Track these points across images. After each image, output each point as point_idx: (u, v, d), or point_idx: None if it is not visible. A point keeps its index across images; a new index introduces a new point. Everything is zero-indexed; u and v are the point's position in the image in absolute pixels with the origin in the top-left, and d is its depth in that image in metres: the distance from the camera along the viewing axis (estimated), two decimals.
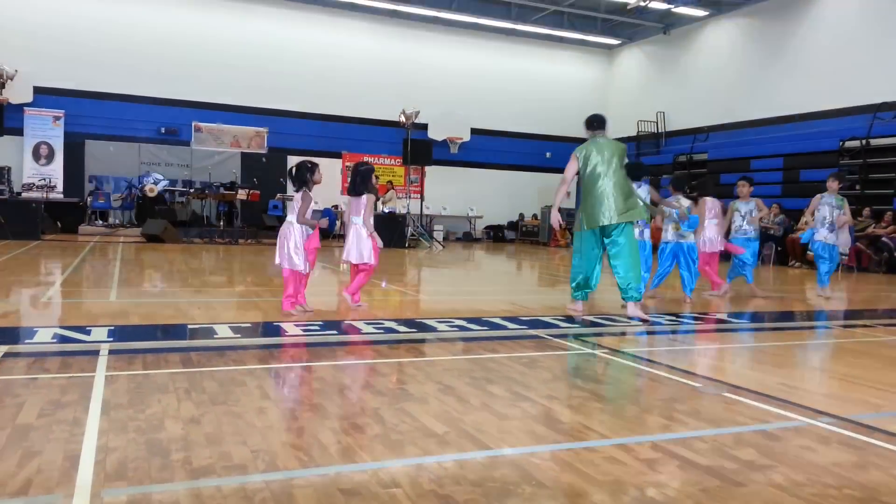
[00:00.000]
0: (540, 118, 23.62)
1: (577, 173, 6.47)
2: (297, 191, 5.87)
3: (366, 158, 21.18)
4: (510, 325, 5.75)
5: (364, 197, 6.27)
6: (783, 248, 15.17)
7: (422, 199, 18.10)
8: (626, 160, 6.59)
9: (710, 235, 8.34)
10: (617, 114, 24.03)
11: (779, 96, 18.17)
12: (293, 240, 5.71)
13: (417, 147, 17.06)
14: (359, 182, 6.32)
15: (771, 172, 17.13)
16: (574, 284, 6.70)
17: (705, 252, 8.33)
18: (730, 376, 4.08)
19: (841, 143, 15.46)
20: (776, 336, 6.16)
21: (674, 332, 5.79)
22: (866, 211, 14.47)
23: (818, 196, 9.02)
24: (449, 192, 21.71)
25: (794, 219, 15.39)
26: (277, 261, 5.80)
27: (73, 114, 18.16)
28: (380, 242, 6.34)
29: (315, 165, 5.97)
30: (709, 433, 2.95)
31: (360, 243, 6.22)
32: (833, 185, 8.89)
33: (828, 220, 8.92)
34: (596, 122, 6.68)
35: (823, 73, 16.98)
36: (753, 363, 4.65)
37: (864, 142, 15.01)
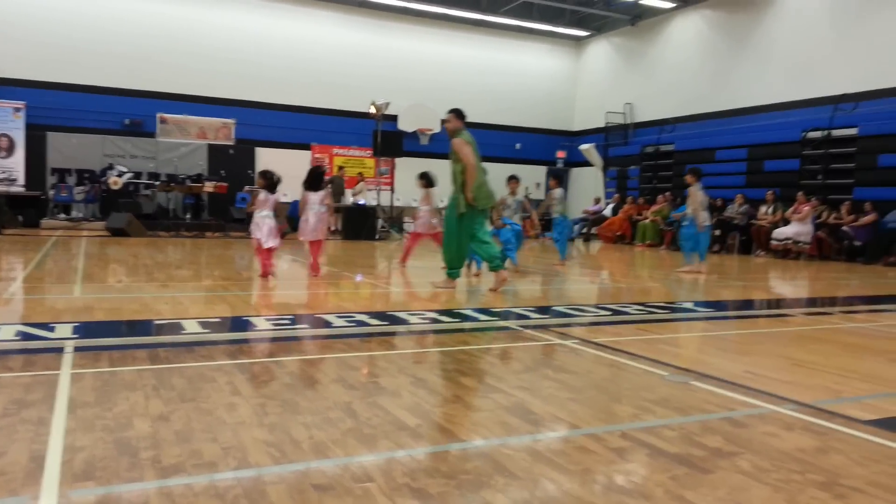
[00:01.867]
0: (509, 109, 23.69)
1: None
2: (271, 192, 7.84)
3: (335, 150, 21.11)
4: (481, 317, 5.77)
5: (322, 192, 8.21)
6: (748, 237, 15.46)
7: (392, 190, 18.04)
8: None
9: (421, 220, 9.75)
10: (585, 105, 24.29)
11: (744, 88, 18.46)
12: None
13: (387, 138, 16.98)
14: (316, 181, 8.21)
15: (736, 163, 17.43)
16: (459, 264, 7.48)
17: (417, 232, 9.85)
18: (696, 364, 4.15)
19: (803, 133, 15.77)
20: (739, 324, 6.28)
21: (641, 321, 5.87)
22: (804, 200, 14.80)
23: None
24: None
25: (758, 209, 15.70)
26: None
27: (35, 105, 17.73)
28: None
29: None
30: (676, 421, 3.01)
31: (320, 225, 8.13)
32: (691, 178, 10.26)
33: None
34: (465, 115, 7.46)
35: (787, 65, 17.30)
36: (718, 351, 4.74)
37: (825, 133, 15.33)
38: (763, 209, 15.42)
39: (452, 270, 7.46)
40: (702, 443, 2.73)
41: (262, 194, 7.89)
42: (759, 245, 15.06)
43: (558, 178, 11.64)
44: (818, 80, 16.42)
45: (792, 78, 17.11)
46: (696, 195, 10.15)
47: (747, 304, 7.73)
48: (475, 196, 7.05)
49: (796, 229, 14.13)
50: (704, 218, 10.25)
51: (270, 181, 7.88)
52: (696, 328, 5.76)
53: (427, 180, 9.62)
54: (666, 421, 3.01)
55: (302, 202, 8.24)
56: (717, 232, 15.80)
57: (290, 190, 17.89)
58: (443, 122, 7.56)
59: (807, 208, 14.14)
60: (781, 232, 14.34)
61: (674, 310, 6.68)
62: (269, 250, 7.75)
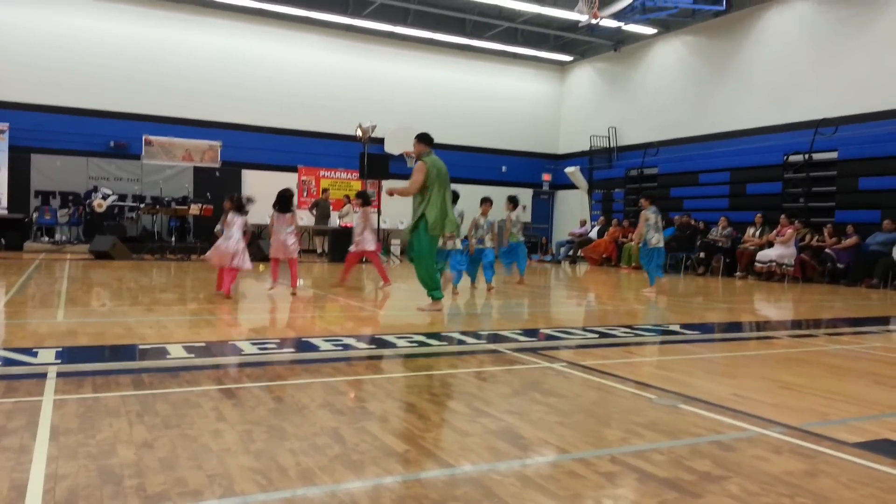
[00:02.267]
0: (495, 133, 23.87)
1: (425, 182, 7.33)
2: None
3: (322, 172, 21.12)
4: (469, 340, 5.76)
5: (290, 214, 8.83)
6: (732, 259, 15.58)
7: (379, 213, 18.04)
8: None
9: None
10: (570, 129, 24.52)
11: (725, 112, 18.73)
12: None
13: (374, 161, 17.00)
14: (285, 203, 8.77)
15: (719, 186, 17.62)
16: (437, 284, 7.53)
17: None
18: (683, 387, 4.16)
19: (785, 157, 15.99)
20: (725, 347, 6.31)
21: (628, 344, 5.88)
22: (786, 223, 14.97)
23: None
24: (406, 206, 21.55)
25: (741, 231, 15.85)
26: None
27: (18, 127, 17.61)
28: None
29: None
30: (665, 445, 3.00)
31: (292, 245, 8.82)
32: (644, 202, 11.20)
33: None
34: (432, 140, 7.74)
35: (767, 90, 17.58)
36: (705, 374, 4.75)
37: (806, 156, 15.56)
38: (750, 231, 15.56)
39: (433, 292, 7.53)
40: (691, 467, 2.73)
41: (230, 215, 8.20)
42: (742, 267, 15.17)
43: (513, 201, 11.59)
44: (798, 104, 16.70)
45: (773, 102, 17.39)
46: (648, 217, 10.87)
47: (733, 326, 7.77)
48: (434, 224, 7.27)
49: (780, 252, 14.27)
50: (657, 239, 10.88)
51: (238, 203, 8.25)
52: (683, 351, 5.78)
53: (364, 199, 10.04)
54: (655, 445, 3.01)
55: (271, 223, 8.84)
56: (702, 255, 15.92)
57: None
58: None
59: (790, 231, 14.29)
60: (765, 254, 14.47)
61: (660, 332, 6.70)
62: (235, 270, 8.14)
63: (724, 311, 9.16)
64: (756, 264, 14.63)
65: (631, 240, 18.24)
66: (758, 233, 15.35)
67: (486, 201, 10.68)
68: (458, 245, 9.95)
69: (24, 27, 17.92)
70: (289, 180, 19.54)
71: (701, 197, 18.12)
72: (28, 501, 2.19)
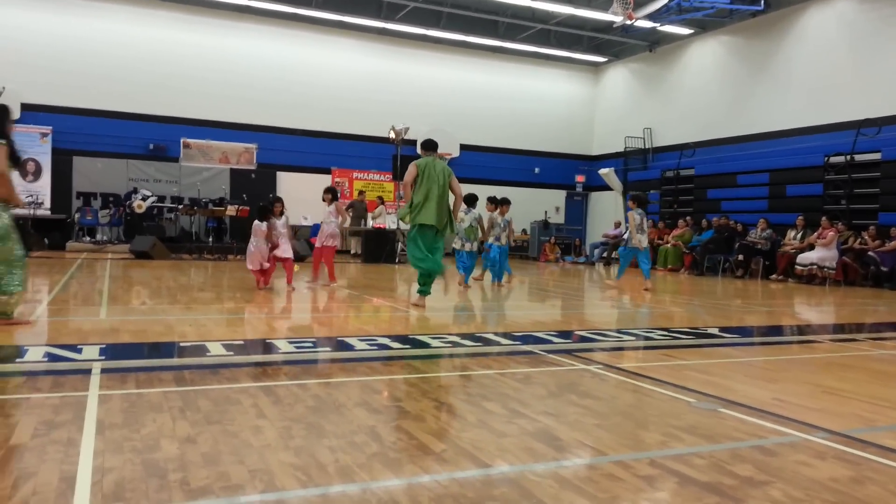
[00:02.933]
0: (528, 134, 23.79)
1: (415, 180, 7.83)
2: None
3: (355, 174, 21.29)
4: (503, 341, 5.75)
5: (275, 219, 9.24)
6: (771, 262, 15.29)
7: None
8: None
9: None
10: (604, 130, 24.33)
11: (764, 112, 18.41)
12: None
13: (407, 163, 17.09)
14: (262, 212, 9.21)
15: (757, 188, 17.32)
16: (422, 279, 7.94)
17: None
18: (723, 391, 4.09)
19: (826, 158, 15.65)
20: (766, 350, 6.20)
21: (665, 346, 5.81)
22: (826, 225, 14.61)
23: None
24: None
25: (781, 233, 15.54)
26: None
27: (61, 130, 18.09)
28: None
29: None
30: (706, 449, 2.96)
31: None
32: (631, 203, 11.57)
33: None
34: (433, 145, 8.25)
35: (807, 90, 17.24)
36: (746, 377, 4.67)
37: (848, 157, 15.21)
38: (791, 234, 15.24)
39: (422, 288, 7.96)
40: (732, 471, 2.69)
41: (254, 224, 9.06)
42: (781, 270, 14.87)
43: (496, 202, 11.50)
44: (839, 104, 16.33)
45: (812, 103, 17.03)
46: (633, 218, 11.36)
47: (774, 329, 7.63)
48: (402, 214, 8.11)
49: (821, 254, 13.97)
50: (640, 240, 11.40)
51: (260, 211, 9.13)
52: (722, 354, 5.69)
53: (333, 194, 10.16)
54: (695, 448, 2.97)
55: (253, 231, 9.26)
56: (741, 257, 15.65)
57: (310, 213, 18.10)
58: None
59: (831, 233, 13.99)
60: (806, 257, 14.18)
61: (699, 335, 6.61)
62: (268, 271, 9.24)
63: (764, 314, 8.99)
64: (796, 267, 14.35)
65: (667, 241, 18.05)
66: (799, 236, 15.04)
67: (504, 202, 11.34)
68: (467, 246, 10.79)
69: (66, 34, 18.39)
70: (322, 182, 19.74)
71: (739, 198, 17.82)
72: (77, 493, 2.24)
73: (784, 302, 10.79)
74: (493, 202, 11.37)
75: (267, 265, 9.18)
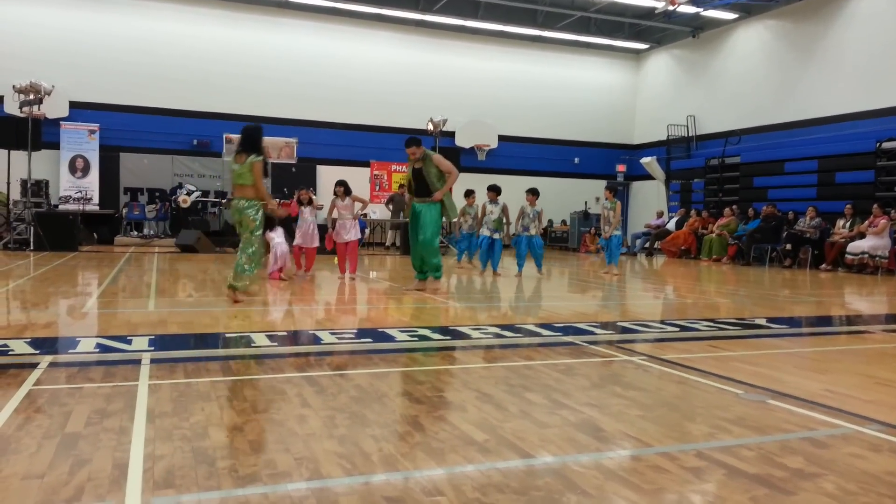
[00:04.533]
0: (568, 124, 23.55)
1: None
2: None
3: (394, 167, 21.36)
4: (544, 332, 5.72)
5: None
6: (820, 251, 14.88)
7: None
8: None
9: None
10: (646, 118, 23.93)
11: (812, 98, 17.88)
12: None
13: (445, 154, 17.00)
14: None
15: (806, 175, 16.85)
16: (417, 267, 8.67)
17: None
18: (771, 382, 4.00)
19: (878, 144, 15.14)
20: (815, 341, 6.05)
21: (710, 338, 5.71)
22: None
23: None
24: (477, 199, 21.63)
25: (831, 222, 15.11)
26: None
27: (108, 127, 18.55)
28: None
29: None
30: (754, 441, 2.90)
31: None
32: (608, 193, 12.16)
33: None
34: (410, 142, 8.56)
35: (858, 74, 16.68)
36: (795, 368, 4.56)
37: None
38: (840, 223, 14.79)
39: (420, 274, 8.65)
40: (782, 463, 2.63)
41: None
42: (831, 259, 14.45)
43: (496, 191, 11.48)
44: (892, 88, 15.77)
45: (864, 87, 16.48)
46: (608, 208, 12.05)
47: (823, 320, 7.43)
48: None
49: (872, 243, 13.54)
50: (607, 232, 12.12)
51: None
52: (770, 345, 5.56)
53: (346, 187, 9.97)
54: (743, 440, 2.91)
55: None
56: (788, 246, 15.26)
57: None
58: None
59: (883, 221, 13.55)
60: (857, 246, 13.76)
61: (745, 326, 6.48)
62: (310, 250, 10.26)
63: (813, 304, 8.77)
64: (847, 256, 13.93)
65: (711, 231, 17.70)
66: (848, 224, 14.58)
67: (532, 192, 11.47)
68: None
69: (112, 34, 18.83)
70: (362, 175, 19.88)
71: (787, 186, 17.36)
72: (130, 480, 2.30)
73: (834, 292, 10.49)
74: (493, 190, 11.38)
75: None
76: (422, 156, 8.47)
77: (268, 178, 6.92)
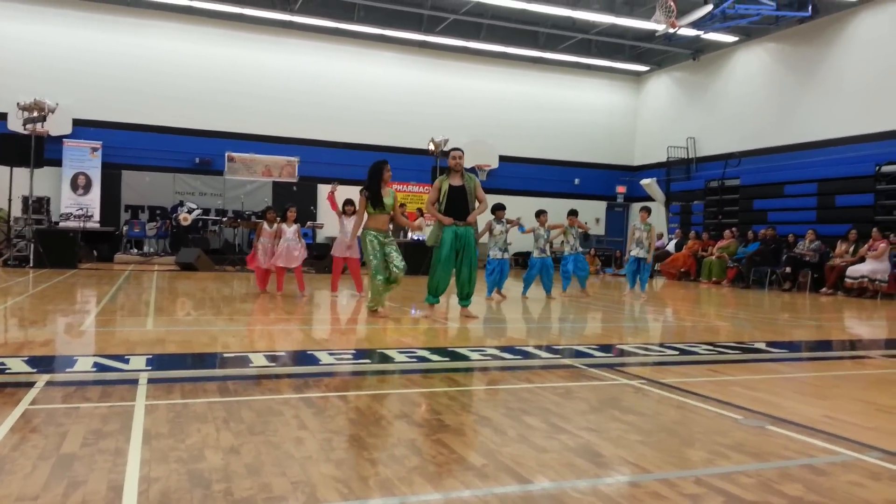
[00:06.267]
0: (568, 145, 23.67)
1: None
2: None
3: (395, 186, 21.41)
4: (543, 354, 5.70)
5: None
6: (820, 274, 14.87)
7: None
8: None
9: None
10: (646, 140, 24.06)
11: (812, 120, 17.99)
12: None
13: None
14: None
15: (805, 198, 16.90)
16: (434, 292, 8.35)
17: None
18: (771, 408, 3.98)
19: (877, 167, 15.21)
20: (815, 366, 6.03)
21: (710, 361, 5.69)
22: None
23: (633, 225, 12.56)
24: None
25: (831, 245, 15.11)
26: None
27: (110, 145, 18.65)
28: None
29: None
30: (753, 467, 2.88)
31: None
32: (643, 215, 12.31)
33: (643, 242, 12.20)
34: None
35: (857, 97, 16.79)
36: (794, 394, 4.54)
37: None
38: (843, 247, 14.77)
39: (430, 297, 8.28)
40: (781, 490, 2.61)
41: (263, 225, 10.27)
42: (831, 283, 14.44)
43: (501, 208, 11.20)
44: (892, 112, 15.87)
45: (863, 110, 16.58)
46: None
47: (823, 344, 7.41)
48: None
49: (872, 267, 13.55)
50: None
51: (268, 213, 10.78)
52: (770, 370, 5.54)
53: (354, 206, 10.19)
54: (742, 467, 2.89)
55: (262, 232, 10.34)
56: (788, 269, 15.26)
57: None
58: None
59: (882, 245, 13.56)
60: (856, 269, 13.76)
61: (745, 350, 6.46)
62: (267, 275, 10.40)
63: (813, 328, 8.75)
64: (846, 280, 13.93)
65: (711, 253, 17.70)
66: (851, 249, 14.55)
67: (542, 213, 11.57)
68: (502, 256, 10.89)
69: (115, 52, 18.98)
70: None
71: (786, 209, 17.41)
72: (124, 502, 2.29)
73: (834, 316, 10.48)
74: (500, 209, 10.98)
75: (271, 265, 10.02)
76: (462, 171, 8.09)
77: (374, 210, 8.31)
